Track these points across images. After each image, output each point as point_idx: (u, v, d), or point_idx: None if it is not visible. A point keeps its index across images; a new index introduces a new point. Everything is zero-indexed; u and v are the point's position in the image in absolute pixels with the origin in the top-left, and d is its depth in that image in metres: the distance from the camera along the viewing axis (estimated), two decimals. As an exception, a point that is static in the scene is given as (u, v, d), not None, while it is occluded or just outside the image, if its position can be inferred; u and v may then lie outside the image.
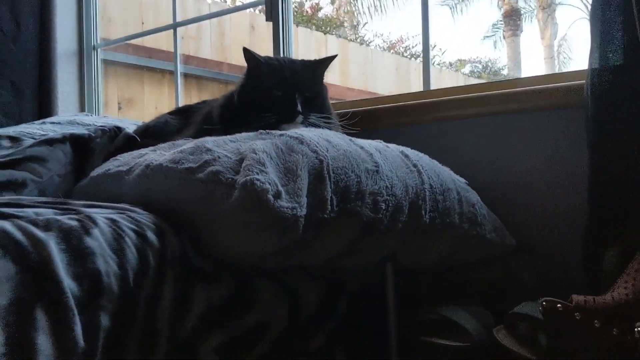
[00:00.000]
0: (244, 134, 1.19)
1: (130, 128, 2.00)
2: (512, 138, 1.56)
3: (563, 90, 1.47)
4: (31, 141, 1.70)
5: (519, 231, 1.45)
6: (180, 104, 3.11)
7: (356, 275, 1.32)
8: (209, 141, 1.15)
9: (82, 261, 0.87)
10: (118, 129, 1.56)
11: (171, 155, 1.15)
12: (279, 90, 1.41)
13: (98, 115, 2.86)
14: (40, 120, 2.29)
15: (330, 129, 1.43)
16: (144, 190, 1.17)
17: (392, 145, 1.33)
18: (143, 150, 1.33)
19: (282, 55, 2.20)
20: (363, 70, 6.52)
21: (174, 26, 2.70)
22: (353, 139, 1.24)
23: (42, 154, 1.48)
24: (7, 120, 2.67)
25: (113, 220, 0.97)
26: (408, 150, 1.33)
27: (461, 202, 1.32)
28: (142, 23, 3.82)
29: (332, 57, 1.50)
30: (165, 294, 0.96)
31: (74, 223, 0.91)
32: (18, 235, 0.84)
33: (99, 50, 2.95)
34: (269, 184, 0.95)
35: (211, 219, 1.03)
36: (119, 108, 3.75)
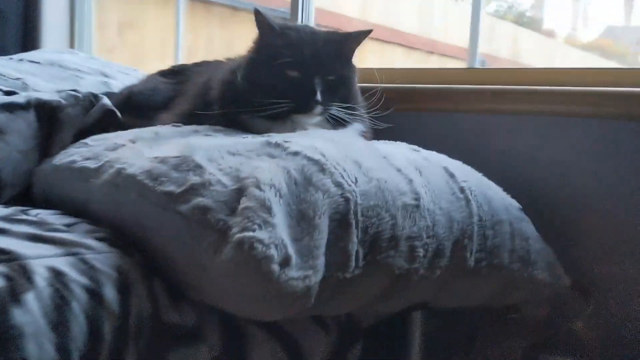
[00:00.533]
0: (248, 142, 0.91)
1: (113, 87, 1.72)
2: (576, 146, 1.27)
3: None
4: (-2, 93, 1.42)
5: (573, 263, 1.19)
6: (184, 32, 2.77)
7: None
8: (200, 150, 0.87)
9: (3, 349, 0.61)
10: (94, 97, 1.27)
11: (150, 163, 0.87)
12: (295, 70, 1.10)
13: (89, 53, 2.54)
14: (19, 56, 1.98)
15: (348, 125, 1.15)
16: (113, 203, 0.90)
17: (433, 158, 1.05)
18: (119, 138, 1.05)
19: (300, 3, 1.86)
20: (386, 4, 6.05)
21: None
22: (389, 154, 0.95)
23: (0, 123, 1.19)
24: (-14, 47, 2.37)
25: (57, 273, 0.71)
26: (453, 166, 1.05)
27: (513, 236, 1.05)
28: None
29: (366, 32, 1.17)
30: (124, 376, 0.71)
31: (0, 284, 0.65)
32: None
33: (92, -31, 2.59)
34: (275, 247, 0.68)
35: (195, 268, 0.76)
36: (118, 31, 3.42)
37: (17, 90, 1.45)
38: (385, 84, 1.42)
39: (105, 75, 1.83)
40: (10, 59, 1.96)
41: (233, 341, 0.85)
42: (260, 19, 1.15)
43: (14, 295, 0.65)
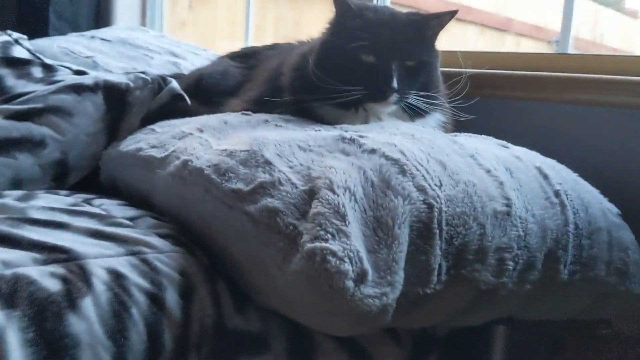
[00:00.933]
0: (320, 136, 0.83)
1: (192, 68, 1.68)
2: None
3: None
4: (65, 72, 1.41)
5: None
6: (253, 9, 2.71)
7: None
8: (269, 144, 0.80)
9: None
10: (163, 80, 1.22)
11: (217, 157, 0.82)
12: (371, 54, 1.01)
13: (160, 30, 2.53)
14: (90, 33, 1.99)
15: (427, 116, 1.06)
16: (178, 196, 0.86)
17: (525, 156, 0.94)
18: (186, 126, 1.00)
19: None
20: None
21: None
22: (477, 151, 0.86)
23: (67, 104, 1.17)
24: (60, 23, 2.38)
25: (117, 276, 0.66)
26: (546, 166, 0.94)
27: (611, 245, 0.94)
28: None
29: (452, 13, 1.05)
30: (185, 389, 0.67)
31: (55, 288, 0.61)
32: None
33: (166, -55, 2.57)
34: (349, 260, 0.61)
35: (262, 274, 0.71)
36: (189, 6, 3.40)
37: (86, 70, 1.43)
38: (469, 68, 1.31)
39: (175, 55, 1.80)
40: (82, 35, 1.96)
41: (299, 350, 0.79)
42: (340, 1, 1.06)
43: (71, 300, 0.61)
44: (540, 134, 1.25)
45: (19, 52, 1.54)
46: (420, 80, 1.04)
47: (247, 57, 1.36)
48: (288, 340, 0.78)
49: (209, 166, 0.80)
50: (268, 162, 0.76)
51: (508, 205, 0.79)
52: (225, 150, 0.83)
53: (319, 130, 0.89)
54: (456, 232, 0.72)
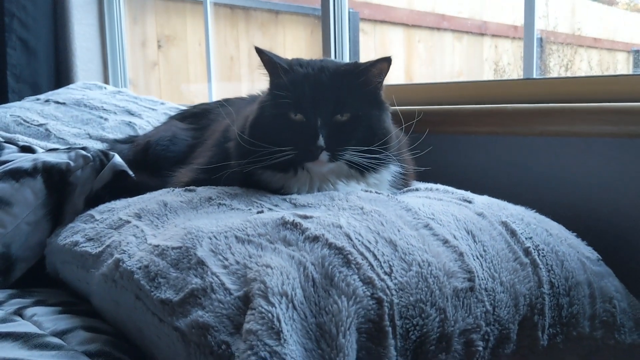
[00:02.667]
0: (260, 221, 0.76)
1: (149, 126, 1.61)
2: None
3: None
4: (11, 150, 1.33)
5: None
6: (225, 41, 2.65)
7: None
8: (204, 237, 0.73)
9: None
10: (105, 156, 1.15)
11: (149, 255, 0.74)
12: (298, 112, 0.94)
13: (124, 79, 2.47)
14: (45, 96, 1.92)
15: (379, 170, 0.98)
16: (112, 301, 0.78)
17: (489, 209, 0.87)
18: (124, 212, 0.93)
19: (333, 30, 1.70)
20: (431, -12, 5.79)
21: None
22: (432, 218, 0.79)
23: (5, 194, 1.10)
24: (19, 85, 2.31)
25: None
26: (514, 219, 0.87)
27: (594, 298, 0.86)
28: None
29: (384, 60, 0.96)
30: None
31: None
32: None
33: (120, -7, 2.52)
34: (286, 388, 0.53)
35: (199, 396, 0.63)
36: (159, 46, 3.35)
37: (32, 146, 1.36)
38: (424, 105, 1.25)
39: (131, 114, 1.73)
40: (38, 100, 1.90)
41: None
42: (264, 58, 1.00)
43: None
44: (511, 168, 1.18)
45: (-35, 129, 1.47)
46: (358, 135, 0.95)
47: (198, 117, 1.29)
48: None
49: (140, 268, 0.73)
50: (201, 262, 0.69)
51: (470, 280, 0.72)
52: (158, 247, 0.75)
53: (262, 211, 0.82)
54: (412, 325, 0.65)
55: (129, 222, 0.89)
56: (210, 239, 0.73)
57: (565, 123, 1.13)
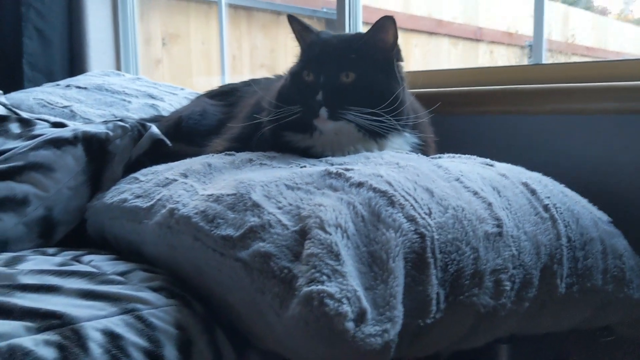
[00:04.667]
0: (305, 172, 0.83)
1: (171, 108, 1.68)
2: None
3: None
4: (43, 126, 1.39)
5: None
6: (227, 41, 2.73)
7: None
8: (256, 185, 0.80)
9: None
10: (143, 126, 1.21)
11: (204, 203, 0.81)
12: (310, 72, 1.02)
13: (136, 70, 2.53)
14: (66, 82, 1.98)
15: (386, 132, 1.01)
16: (166, 246, 0.84)
17: (510, 172, 0.95)
18: (170, 172, 0.99)
19: (347, 3, 1.78)
20: (427, -7, 5.88)
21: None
22: (462, 174, 0.86)
23: (47, 160, 1.16)
24: (34, 73, 2.36)
25: (113, 337, 0.65)
26: (533, 180, 0.95)
27: (606, 254, 0.94)
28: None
29: (385, 19, 1.00)
30: None
31: (51, 356, 0.60)
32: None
33: (134, -13, 2.58)
34: (348, 300, 0.61)
35: (260, 320, 0.70)
36: (163, 44, 3.41)
37: (64, 121, 1.42)
38: (441, 87, 1.32)
39: (153, 97, 1.80)
40: (58, 85, 1.95)
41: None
42: (294, 25, 1.08)
43: (67, 368, 0.59)
44: (524, 146, 1.26)
45: (-6, 108, 1.53)
46: (362, 96, 0.99)
47: (225, 95, 1.36)
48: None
49: (197, 213, 0.80)
50: (256, 205, 0.76)
51: (499, 226, 0.79)
52: (212, 195, 0.82)
53: (304, 166, 0.89)
54: (450, 259, 0.72)
55: (175, 180, 0.95)
56: (262, 186, 0.80)
57: (571, 101, 1.21)
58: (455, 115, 1.34)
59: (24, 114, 1.49)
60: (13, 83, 2.24)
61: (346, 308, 0.60)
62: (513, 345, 0.98)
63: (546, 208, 0.89)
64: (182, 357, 0.67)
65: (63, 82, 1.99)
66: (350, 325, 0.59)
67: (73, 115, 1.67)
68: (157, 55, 3.19)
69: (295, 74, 1.05)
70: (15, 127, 1.39)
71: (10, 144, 1.29)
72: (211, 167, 0.97)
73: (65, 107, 1.73)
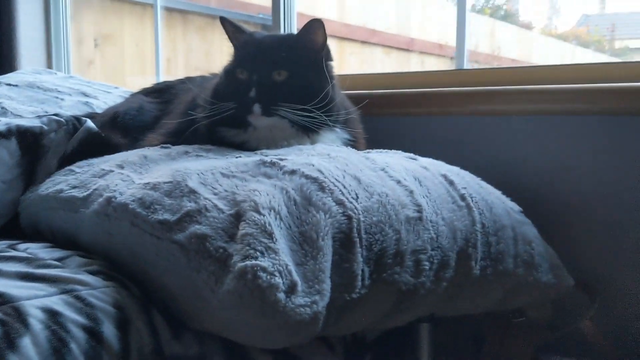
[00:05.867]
0: (241, 161, 0.88)
1: (105, 106, 1.68)
2: (572, 144, 1.25)
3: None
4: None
5: (577, 263, 1.17)
6: (162, 43, 2.73)
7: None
8: (192, 174, 0.84)
9: (-1, 402, 0.58)
10: (77, 120, 1.23)
11: (141, 191, 0.84)
12: (243, 71, 1.08)
13: (68, 71, 2.49)
14: (-4, 79, 1.94)
15: (317, 128, 1.07)
16: (104, 233, 0.87)
17: (431, 165, 1.03)
18: (106, 164, 1.02)
19: (282, 10, 1.84)
20: (363, 4, 6.03)
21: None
22: (387, 165, 0.93)
23: (-21, 153, 1.15)
24: (-39, 71, 2.30)
25: (53, 314, 0.67)
26: (452, 173, 1.03)
27: (517, 241, 1.03)
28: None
29: (314, 22, 1.06)
30: (129, 416, 0.68)
31: (-9, 331, 0.62)
32: None
33: (66, -14, 2.55)
34: (280, 273, 0.66)
35: (195, 299, 0.73)
36: (95, 45, 3.36)
37: (-4, 117, 1.41)
38: (372, 89, 1.40)
39: (86, 95, 1.79)
40: (-14, 82, 1.91)
41: (238, 368, 0.82)
42: (227, 26, 1.13)
43: (9, 341, 0.62)
44: (446, 144, 1.34)
45: None
46: (293, 93, 1.05)
47: (161, 92, 1.39)
48: (227, 358, 0.81)
49: (134, 200, 0.83)
50: (193, 191, 0.80)
51: (419, 211, 0.86)
52: (149, 183, 0.85)
53: (240, 156, 0.94)
54: (374, 239, 0.78)
55: (112, 171, 0.98)
56: (198, 174, 0.84)
57: (488, 104, 1.31)
58: (383, 116, 1.42)
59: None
60: (-63, 81, 2.18)
61: (278, 280, 0.65)
62: (434, 326, 1.05)
63: (462, 197, 0.97)
64: (120, 335, 0.70)
65: (-8, 80, 1.95)
66: (281, 296, 0.64)
67: (4, 112, 1.64)
68: (89, 55, 3.15)
69: (229, 72, 1.10)
70: (-57, 121, 1.36)
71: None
72: (147, 158, 1.00)
73: (-6, 104, 1.70)
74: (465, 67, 1.52)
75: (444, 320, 1.07)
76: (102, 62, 3.15)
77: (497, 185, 1.12)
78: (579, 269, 1.15)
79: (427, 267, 0.85)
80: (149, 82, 2.28)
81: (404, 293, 0.83)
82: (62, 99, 1.74)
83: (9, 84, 1.87)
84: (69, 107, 1.70)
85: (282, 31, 1.88)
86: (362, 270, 0.76)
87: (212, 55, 3.75)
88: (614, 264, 1.20)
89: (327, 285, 0.70)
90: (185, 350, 0.78)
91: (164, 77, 2.67)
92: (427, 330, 1.04)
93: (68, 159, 1.19)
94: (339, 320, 0.78)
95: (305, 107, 1.04)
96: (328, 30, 1.09)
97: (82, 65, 2.93)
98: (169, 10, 3.45)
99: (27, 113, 1.68)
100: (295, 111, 1.03)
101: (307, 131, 1.07)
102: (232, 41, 1.15)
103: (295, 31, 1.89)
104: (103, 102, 1.73)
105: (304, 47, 1.09)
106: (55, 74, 2.08)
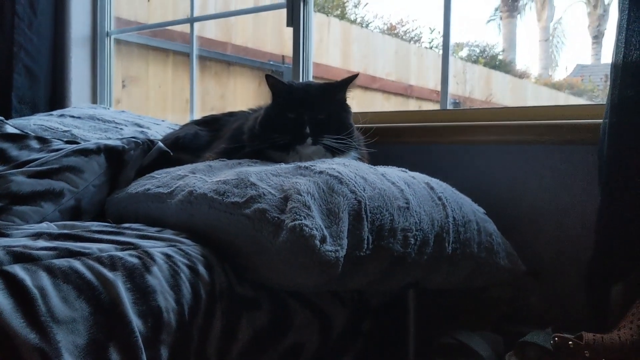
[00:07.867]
0: (283, 167, 1.26)
1: (157, 135, 2.07)
2: (525, 167, 1.64)
3: (576, 127, 1.55)
4: (59, 143, 1.76)
5: (528, 254, 1.54)
6: (181, 86, 3.11)
7: (379, 293, 1.41)
8: (252, 174, 1.22)
9: (145, 299, 0.95)
10: (151, 142, 1.61)
11: (214, 185, 1.22)
12: (293, 112, 1.46)
13: (110, 105, 2.89)
14: (58, 112, 2.33)
15: (346, 150, 1.48)
16: (187, 215, 1.24)
17: (418, 176, 1.41)
18: (181, 171, 1.40)
19: (301, 61, 2.25)
20: (364, 53, 6.53)
21: (191, 21, 2.73)
22: (385, 172, 1.31)
23: (78, 164, 1.53)
24: (21, 106, 2.70)
25: (168, 256, 1.04)
26: (433, 182, 1.41)
27: (480, 232, 1.40)
28: (148, 0, 3.81)
29: (352, 78, 1.52)
30: (215, 325, 1.05)
31: (135, 261, 0.99)
32: (89, 275, 0.91)
33: (112, 36, 2.97)
34: (316, 229, 1.03)
35: (256, 253, 1.10)
36: (123, 86, 3.78)
37: (76, 140, 1.79)
38: (377, 123, 1.79)
39: (140, 126, 2.18)
40: (51, 114, 2.30)
41: (279, 308, 1.18)
42: (271, 80, 1.52)
43: (146, 267, 0.98)
44: (433, 165, 1.73)
45: (10, 129, 1.88)
46: (333, 127, 1.47)
47: (210, 123, 1.78)
48: (271, 303, 1.17)
49: (211, 191, 1.20)
50: (253, 184, 1.17)
51: (407, 203, 1.24)
52: (219, 180, 1.23)
53: (281, 164, 1.32)
54: (376, 217, 1.16)
55: (187, 175, 1.36)
56: (256, 174, 1.22)
57: (466, 135, 1.70)
58: (385, 144, 1.81)
59: (34, 127, 1.85)
60: (1, 113, 2.56)
61: (315, 232, 1.02)
62: (418, 293, 1.41)
63: (439, 198, 1.35)
64: (208, 272, 1.07)
65: (55, 113, 2.33)
66: (317, 242, 1.01)
67: (74, 138, 2.03)
68: (117, 95, 3.57)
69: (280, 113, 1.48)
70: (34, 143, 1.75)
71: (35, 155, 1.65)
72: (212, 167, 1.38)
73: (65, 131, 2.08)
74: (448, 107, 1.92)
75: (426, 292, 1.43)
76: (128, 101, 3.57)
77: (467, 194, 1.50)
78: (529, 259, 1.52)
79: (412, 242, 1.22)
80: (170, 119, 2.66)
81: (395, 258, 1.20)
82: (121, 129, 2.13)
83: (72, 116, 2.26)
84: (129, 135, 2.08)
85: (300, 76, 2.29)
86: (367, 237, 1.13)
87: (226, 97, 4.17)
88: (554, 255, 1.57)
89: (344, 242, 1.07)
90: (245, 292, 1.14)
91: (185, 116, 3.05)
92: (413, 298, 1.39)
93: (142, 172, 1.57)
94: (349, 274, 1.14)
95: (339, 136, 1.45)
96: (332, 76, 1.50)
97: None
98: (187, 56, 3.89)
99: (94, 140, 2.06)
100: (333, 140, 1.44)
101: (335, 152, 1.47)
102: (272, 89, 1.53)
103: (310, 76, 2.30)
104: (155, 132, 2.12)
105: (337, 94, 1.52)
106: (108, 108, 2.48)
